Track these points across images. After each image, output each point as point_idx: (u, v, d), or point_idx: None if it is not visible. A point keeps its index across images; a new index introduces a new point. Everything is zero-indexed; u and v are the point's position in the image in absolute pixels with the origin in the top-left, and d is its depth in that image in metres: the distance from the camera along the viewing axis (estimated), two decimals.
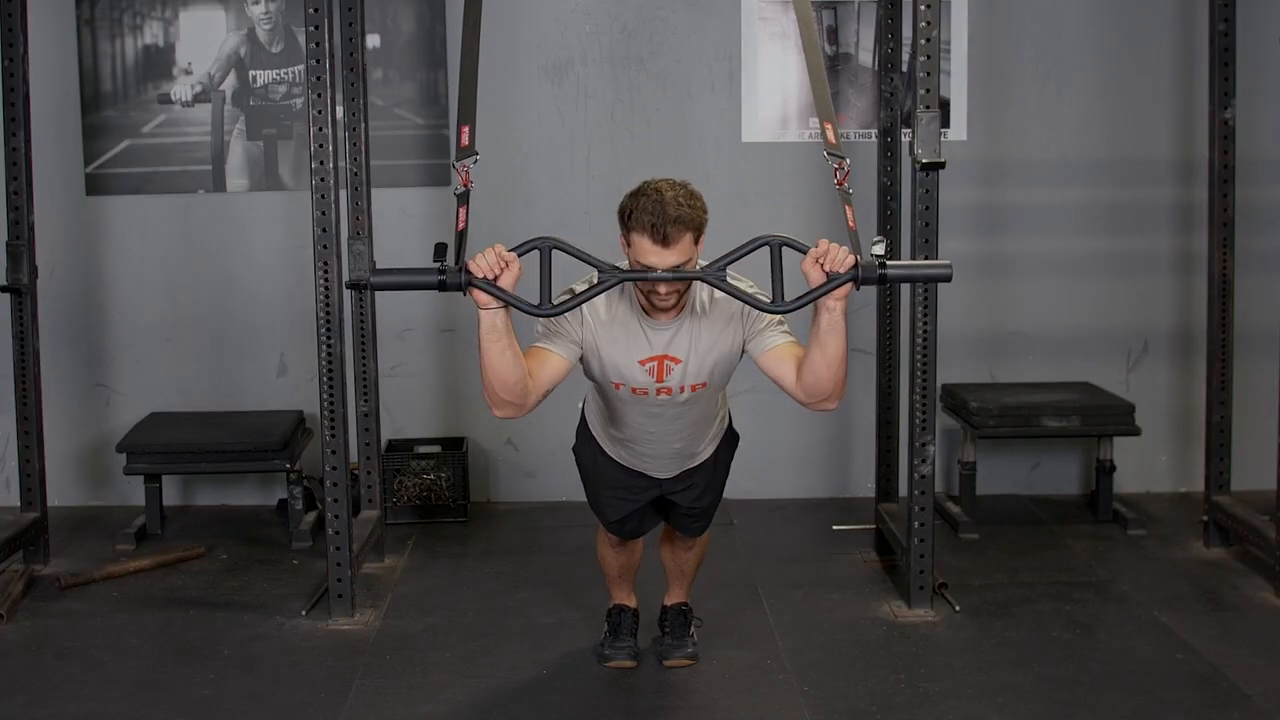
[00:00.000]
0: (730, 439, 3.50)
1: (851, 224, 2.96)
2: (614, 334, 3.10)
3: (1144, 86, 5.23)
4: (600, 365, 3.13)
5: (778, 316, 3.06)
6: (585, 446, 3.47)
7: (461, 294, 2.83)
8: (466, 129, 2.94)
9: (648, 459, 3.37)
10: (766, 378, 3.13)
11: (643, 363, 3.11)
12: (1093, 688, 3.55)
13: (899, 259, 4.51)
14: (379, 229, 4.73)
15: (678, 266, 2.93)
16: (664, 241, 2.90)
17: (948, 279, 2.93)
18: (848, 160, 3.02)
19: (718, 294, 3.07)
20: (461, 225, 2.88)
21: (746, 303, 2.93)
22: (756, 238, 2.87)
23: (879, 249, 2.83)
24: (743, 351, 3.15)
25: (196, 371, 5.29)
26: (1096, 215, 5.27)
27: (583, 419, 3.49)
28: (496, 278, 2.81)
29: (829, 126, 3.02)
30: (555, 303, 2.91)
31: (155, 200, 5.21)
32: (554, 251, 2.86)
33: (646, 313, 3.09)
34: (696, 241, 2.97)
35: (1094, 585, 4.32)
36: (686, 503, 3.47)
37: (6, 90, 4.34)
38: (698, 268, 3.01)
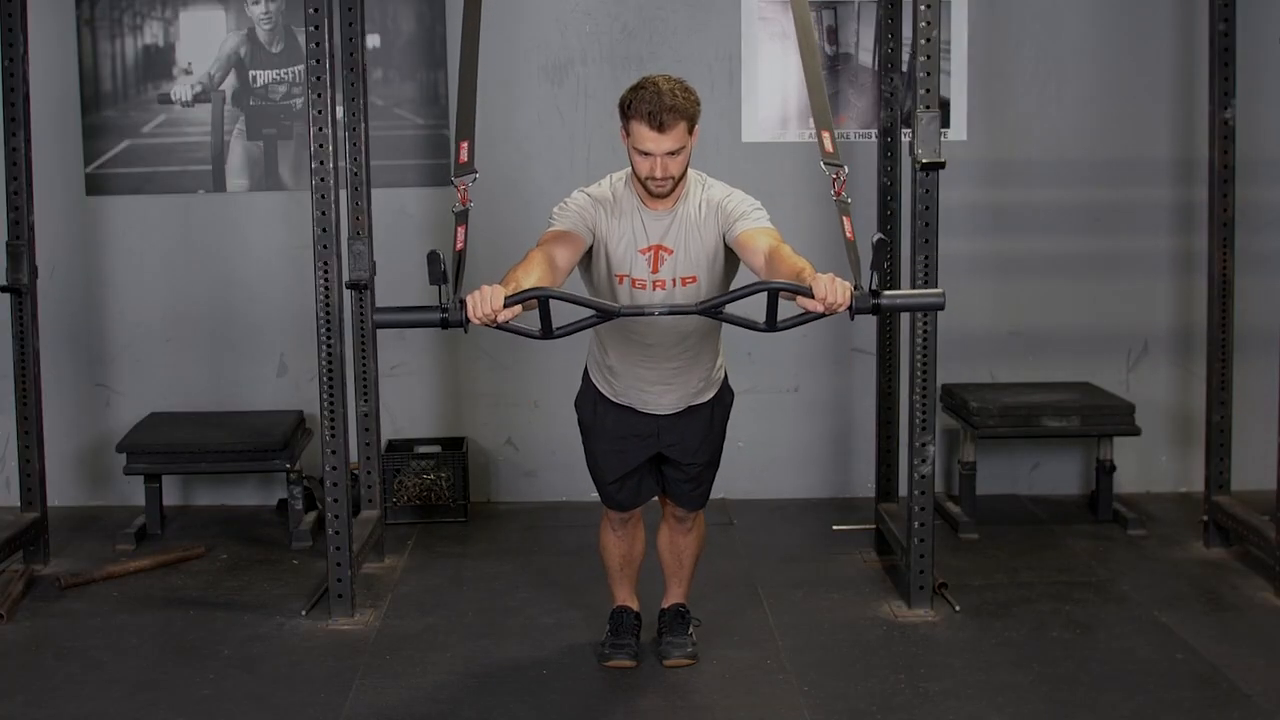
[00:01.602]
0: (725, 393, 3.57)
1: (849, 235, 3.01)
2: (621, 224, 3.27)
3: (1144, 86, 5.23)
4: (607, 256, 3.28)
5: (755, 203, 3.26)
6: (584, 399, 3.55)
7: (463, 332, 2.86)
8: (465, 144, 2.99)
9: (645, 387, 3.40)
10: (741, 259, 3.26)
11: (642, 252, 3.26)
12: (1093, 688, 3.55)
13: (898, 259, 4.51)
14: (379, 229, 4.73)
15: (672, 153, 3.12)
16: (660, 128, 3.09)
17: (940, 308, 3.01)
18: (845, 169, 3.07)
19: (707, 192, 3.28)
20: (460, 245, 2.92)
21: (738, 324, 2.97)
22: (755, 283, 2.89)
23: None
24: (726, 246, 3.27)
25: (196, 371, 5.29)
26: (1096, 215, 5.27)
27: (585, 375, 3.55)
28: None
29: (826, 135, 3.13)
30: (558, 327, 2.93)
31: (155, 200, 5.22)
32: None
33: (644, 203, 3.25)
34: (690, 131, 3.15)
35: (1094, 585, 4.32)
36: (685, 459, 3.50)
37: (6, 90, 4.34)
38: (689, 174, 3.24)
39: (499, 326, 2.87)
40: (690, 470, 3.54)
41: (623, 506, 3.62)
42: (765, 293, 2.87)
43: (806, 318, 2.88)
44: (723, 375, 3.55)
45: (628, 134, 3.18)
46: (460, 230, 2.93)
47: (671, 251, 3.27)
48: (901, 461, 4.56)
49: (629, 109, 3.14)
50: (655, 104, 3.08)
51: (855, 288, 2.85)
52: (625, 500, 3.59)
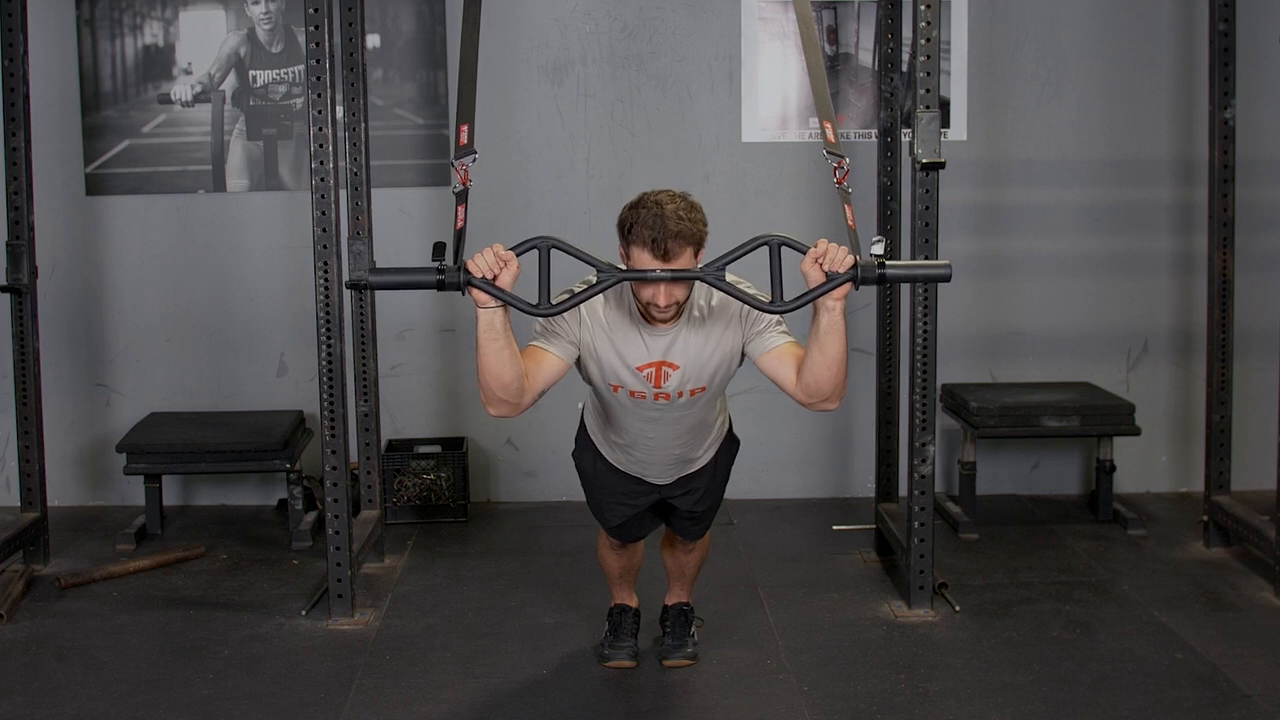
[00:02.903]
0: (730, 444, 3.50)
1: (851, 223, 2.96)
2: (613, 338, 3.09)
3: (1144, 86, 5.23)
4: (599, 368, 3.13)
5: (776, 317, 3.06)
6: (584, 452, 3.47)
7: (460, 293, 2.83)
8: (465, 127, 2.93)
9: (646, 464, 3.36)
10: (766, 378, 3.12)
11: (640, 369, 3.10)
12: (1093, 688, 3.55)
13: (899, 259, 4.51)
14: (379, 229, 4.73)
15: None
16: (664, 256, 2.89)
17: (947, 279, 2.93)
18: (847, 159, 3.03)
19: (716, 299, 3.08)
20: (460, 223, 2.88)
21: (745, 302, 2.92)
22: (756, 237, 2.87)
23: (878, 249, 2.82)
24: (743, 355, 3.14)
25: (196, 371, 5.29)
26: (1096, 215, 5.27)
27: (582, 424, 3.49)
28: (495, 277, 2.80)
29: (828, 125, 3.04)
30: (554, 303, 2.90)
31: (155, 200, 5.21)
32: (553, 251, 2.86)
33: (645, 320, 3.08)
34: (696, 255, 2.96)
35: (1094, 585, 4.32)
36: (686, 507, 3.47)
37: (6, 90, 4.34)
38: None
39: (497, 294, 2.80)
40: (694, 514, 3.52)
41: (625, 540, 3.61)
42: (766, 248, 2.83)
43: (814, 294, 2.83)
44: (726, 429, 3.47)
45: (627, 257, 2.96)
46: (460, 209, 2.88)
47: (678, 367, 3.09)
48: (901, 461, 4.55)
49: (629, 233, 2.92)
50: (659, 230, 2.87)
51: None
52: (628, 536, 3.59)
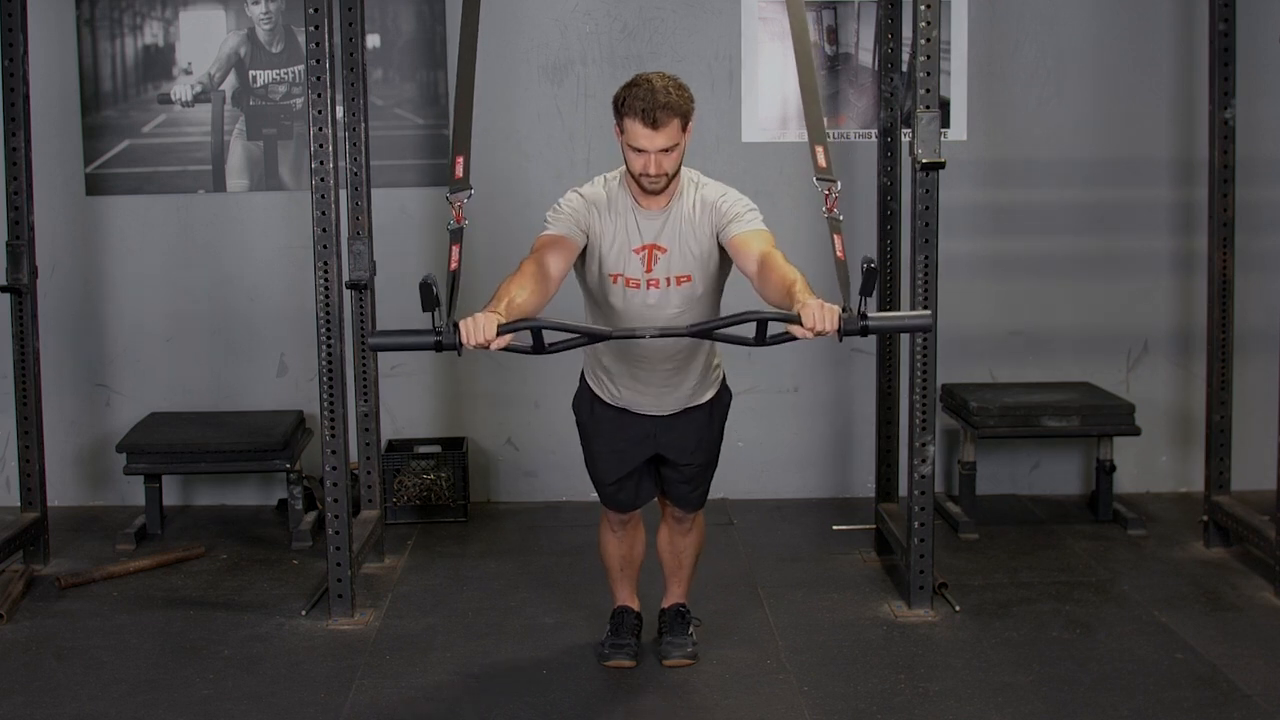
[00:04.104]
0: (724, 393, 3.57)
1: (840, 254, 3.03)
2: (615, 224, 3.28)
3: (1144, 86, 5.23)
4: (600, 257, 3.28)
5: (749, 204, 3.27)
6: (581, 399, 3.56)
7: (457, 355, 2.89)
8: (461, 159, 3.02)
9: (642, 389, 3.41)
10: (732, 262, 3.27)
11: (636, 251, 3.27)
12: (1093, 688, 3.55)
13: (898, 260, 4.51)
14: (379, 229, 4.73)
15: (666, 150, 3.14)
16: (654, 125, 3.12)
17: (928, 330, 3.08)
18: (838, 184, 3.07)
19: (701, 192, 3.29)
20: (454, 265, 2.96)
21: (731, 342, 3.04)
22: (744, 312, 2.97)
23: (867, 299, 2.88)
24: (720, 246, 3.28)
25: (196, 371, 5.29)
26: (1096, 215, 5.27)
27: (582, 375, 3.56)
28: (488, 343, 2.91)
29: (820, 150, 3.15)
30: (550, 344, 2.98)
31: (155, 200, 5.22)
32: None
33: (638, 201, 3.27)
34: (684, 129, 3.17)
35: (1094, 585, 4.32)
36: (682, 459, 3.50)
37: (6, 90, 4.34)
38: (681, 161, 3.24)
39: (495, 350, 2.91)
40: (687, 471, 3.54)
41: (622, 508, 3.62)
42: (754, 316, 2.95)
43: (793, 339, 2.92)
44: (720, 376, 3.55)
45: (621, 131, 3.20)
46: (455, 249, 2.97)
47: (665, 250, 3.27)
48: (901, 461, 4.55)
49: (623, 106, 3.17)
50: (649, 101, 3.11)
51: (844, 309, 2.89)
52: (625, 501, 3.60)
